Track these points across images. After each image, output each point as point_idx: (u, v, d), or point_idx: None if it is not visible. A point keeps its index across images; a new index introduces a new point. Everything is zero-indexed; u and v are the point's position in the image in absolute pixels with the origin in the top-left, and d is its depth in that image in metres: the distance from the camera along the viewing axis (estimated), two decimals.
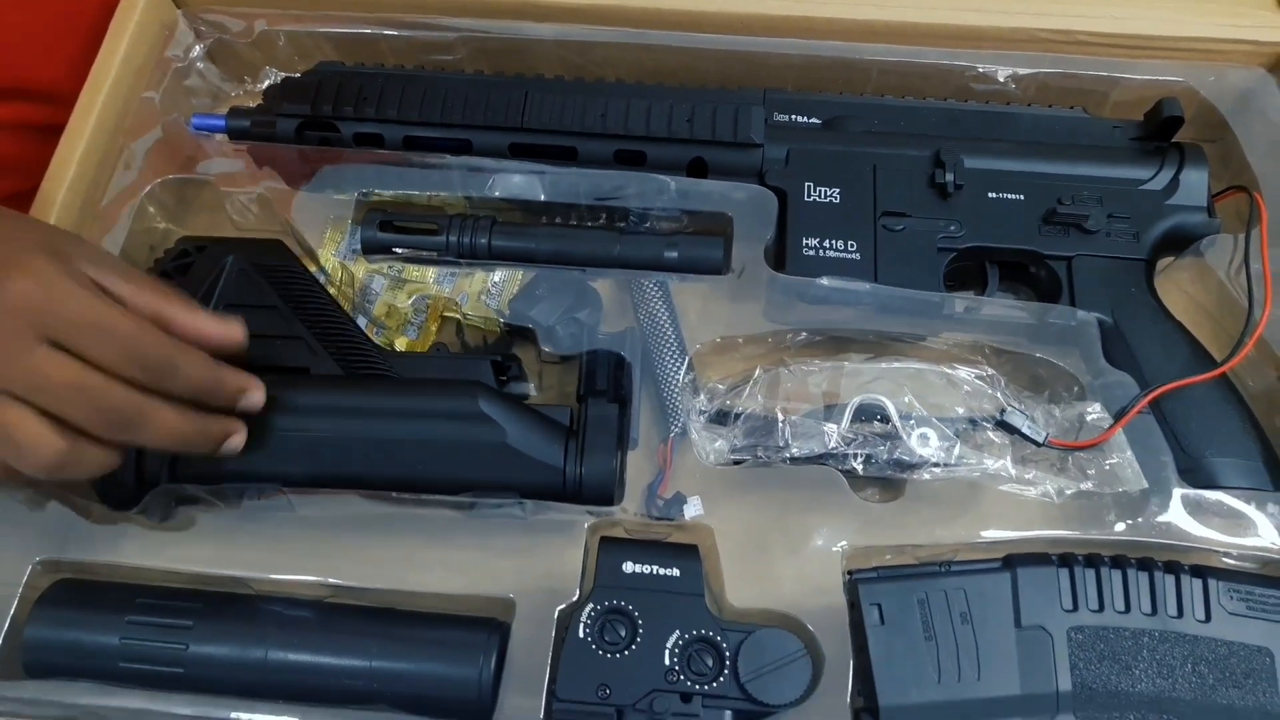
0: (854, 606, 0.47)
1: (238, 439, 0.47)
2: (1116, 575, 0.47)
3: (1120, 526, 0.49)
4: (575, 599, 0.48)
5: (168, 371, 0.43)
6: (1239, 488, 0.50)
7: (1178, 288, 0.59)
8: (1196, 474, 0.51)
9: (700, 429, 0.53)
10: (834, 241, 0.56)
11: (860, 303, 0.55)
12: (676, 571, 0.48)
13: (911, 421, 0.50)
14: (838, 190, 0.58)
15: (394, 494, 0.49)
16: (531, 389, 0.57)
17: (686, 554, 0.49)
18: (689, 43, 0.63)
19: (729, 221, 0.57)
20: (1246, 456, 0.51)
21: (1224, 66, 0.61)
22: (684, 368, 0.54)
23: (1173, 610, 0.46)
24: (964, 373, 0.52)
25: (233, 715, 0.44)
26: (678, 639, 0.46)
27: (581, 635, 0.46)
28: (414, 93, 0.59)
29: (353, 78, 0.60)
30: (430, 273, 0.60)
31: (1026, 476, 0.49)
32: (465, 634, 0.46)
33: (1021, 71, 0.61)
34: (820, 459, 0.50)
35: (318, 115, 0.59)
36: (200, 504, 0.50)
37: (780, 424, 0.51)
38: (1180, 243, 0.57)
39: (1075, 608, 0.46)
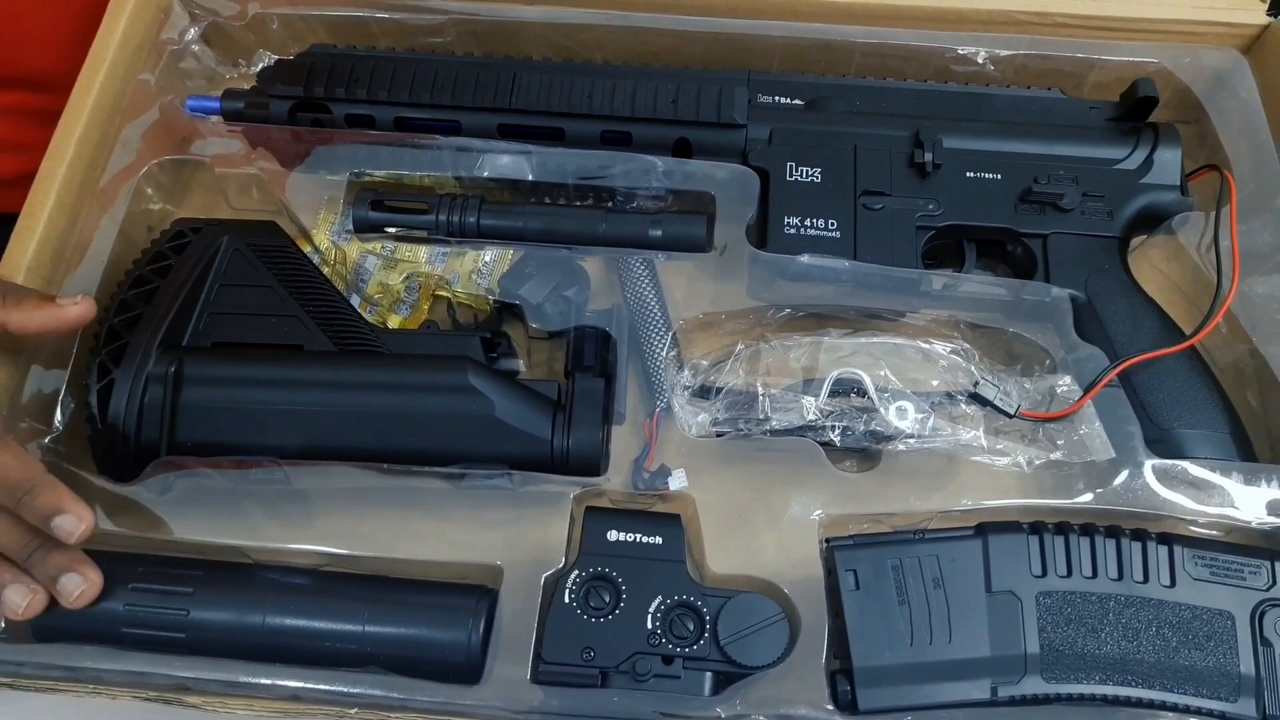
0: (830, 573, 0.49)
1: (68, 524, 0.43)
2: (1085, 542, 0.49)
3: (1088, 496, 0.51)
4: (561, 566, 0.49)
5: None
6: (1206, 458, 0.51)
7: (1151, 265, 0.61)
8: (1165, 445, 0.52)
9: (683, 403, 0.54)
10: (815, 220, 0.58)
11: (839, 280, 0.56)
12: (659, 539, 0.49)
13: (887, 395, 0.52)
14: (819, 170, 0.59)
15: (386, 466, 0.51)
16: (521, 365, 0.59)
17: (669, 523, 0.50)
18: (675, 25, 0.64)
19: (712, 200, 0.58)
20: (1213, 428, 0.53)
21: (1198, 48, 0.62)
22: (666, 344, 0.55)
23: (1139, 576, 0.48)
24: (939, 347, 0.53)
25: (232, 677, 0.46)
26: (660, 604, 0.48)
27: (567, 601, 0.48)
28: (404, 74, 0.60)
29: (344, 60, 0.62)
30: (422, 252, 0.61)
31: (998, 447, 0.50)
32: (455, 599, 0.48)
33: (1000, 53, 0.62)
34: (799, 431, 0.52)
35: (310, 97, 0.60)
36: (199, 475, 0.52)
37: (760, 397, 0.52)
38: (1154, 221, 0.59)
39: (1044, 573, 0.48)
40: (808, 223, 0.58)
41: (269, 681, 0.46)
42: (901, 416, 0.51)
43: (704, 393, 0.55)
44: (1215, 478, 0.50)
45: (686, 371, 0.56)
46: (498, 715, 0.46)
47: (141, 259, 0.56)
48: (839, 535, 0.50)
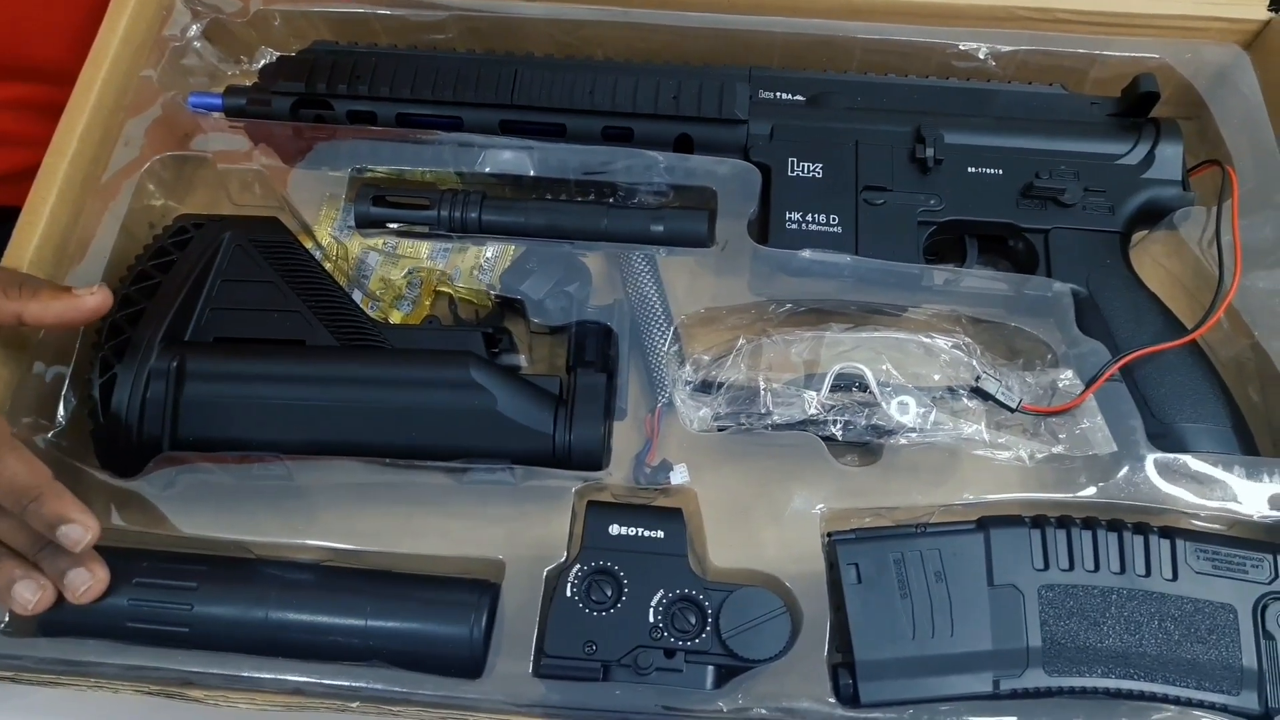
0: (832, 566, 0.49)
1: (74, 533, 0.43)
2: (1087, 536, 0.49)
3: (1091, 490, 0.51)
4: (563, 561, 0.49)
5: None
6: (1207, 452, 0.51)
7: (1153, 260, 0.61)
8: (1167, 439, 0.52)
9: (685, 398, 0.54)
10: (816, 215, 0.58)
11: (841, 275, 0.56)
12: (661, 534, 0.49)
13: (889, 389, 0.52)
14: (820, 165, 0.59)
15: (388, 461, 0.51)
16: (523, 360, 0.59)
17: (670, 517, 0.50)
18: (677, 21, 0.64)
19: (713, 196, 0.58)
20: (1215, 422, 0.53)
21: (1200, 43, 0.62)
22: (667, 340, 0.55)
23: (1141, 569, 0.48)
24: (941, 342, 0.53)
25: (234, 671, 0.46)
26: (662, 597, 0.48)
27: (569, 594, 0.48)
28: (406, 71, 0.60)
29: (346, 56, 0.62)
30: (424, 248, 0.62)
31: (1000, 441, 0.50)
32: (457, 594, 0.48)
33: (1001, 48, 0.63)
34: (801, 425, 0.52)
35: (312, 93, 0.60)
36: (201, 471, 0.52)
37: (762, 392, 0.52)
38: (1155, 215, 0.59)
39: (1046, 567, 0.48)
40: (809, 218, 0.58)
41: (271, 676, 0.46)
42: (903, 411, 0.52)
43: (705, 388, 0.55)
44: (1217, 471, 0.50)
45: (688, 366, 0.56)
46: (500, 709, 0.46)
47: (144, 255, 0.56)
48: (841, 529, 0.50)
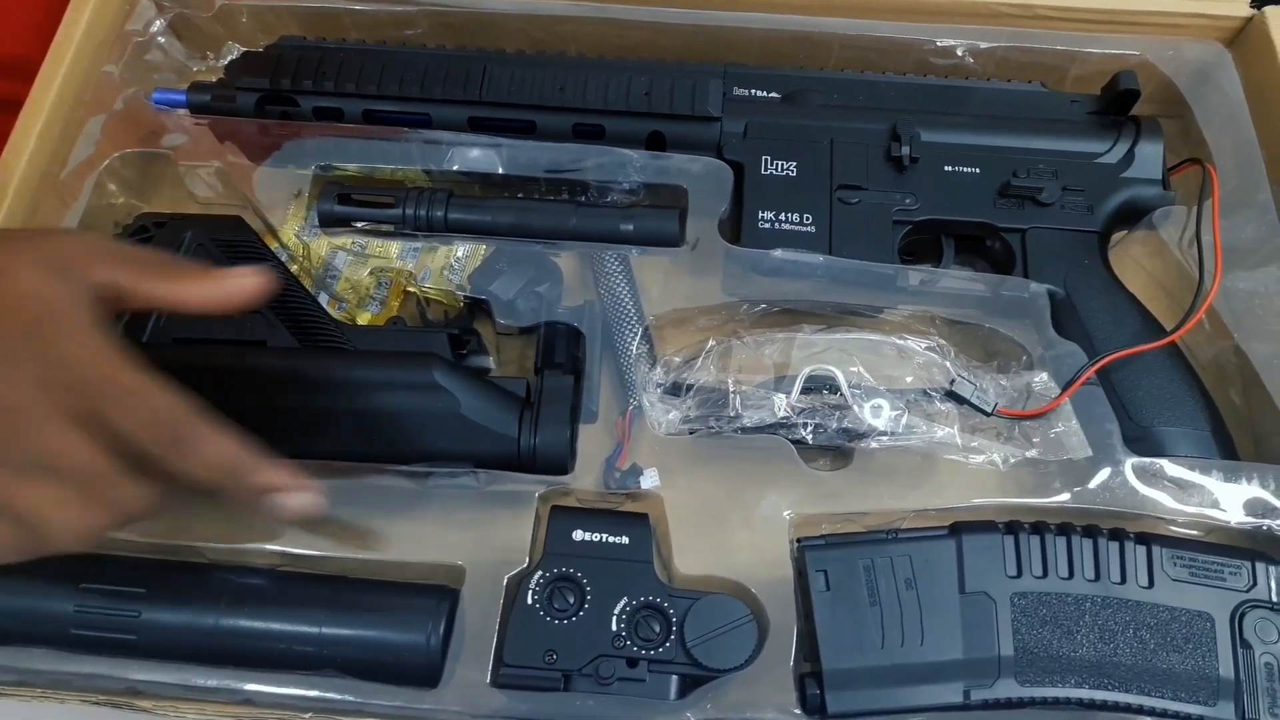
0: (801, 573, 0.48)
1: (291, 500, 0.40)
2: (1061, 542, 0.47)
3: (1066, 495, 0.49)
4: (525, 567, 0.48)
5: (186, 443, 0.37)
6: (1185, 456, 0.50)
7: (1133, 261, 0.60)
8: (1144, 443, 0.51)
9: (654, 400, 0.53)
10: (789, 214, 0.57)
11: (814, 275, 0.55)
12: (626, 539, 0.48)
13: (861, 392, 0.50)
14: (795, 164, 0.58)
15: (349, 464, 0.50)
16: (490, 362, 0.58)
17: (636, 522, 0.49)
18: (651, 17, 0.63)
19: (684, 194, 0.57)
20: (1194, 426, 0.52)
21: (1181, 40, 0.61)
22: (635, 341, 0.54)
23: (1116, 576, 0.47)
24: (915, 344, 0.52)
25: (184, 680, 0.45)
26: (625, 605, 0.47)
27: (530, 602, 0.46)
28: (373, 66, 0.59)
29: (313, 52, 0.61)
30: (394, 248, 0.60)
31: (973, 445, 0.49)
32: (415, 600, 0.47)
33: (980, 45, 0.62)
34: (771, 429, 0.51)
35: (277, 89, 0.59)
36: None
37: (731, 395, 0.51)
38: (1135, 215, 0.58)
39: (1019, 574, 0.47)
40: (782, 217, 0.57)
41: (221, 685, 0.45)
42: (876, 414, 0.50)
43: (676, 390, 0.54)
44: (1195, 476, 0.49)
45: (659, 369, 0.55)
46: (459, 718, 0.44)
47: None
48: (810, 535, 0.49)
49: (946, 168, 0.58)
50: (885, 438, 0.49)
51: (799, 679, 0.46)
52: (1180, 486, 0.49)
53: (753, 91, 0.61)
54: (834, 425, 0.50)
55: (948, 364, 0.51)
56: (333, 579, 0.48)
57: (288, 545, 0.48)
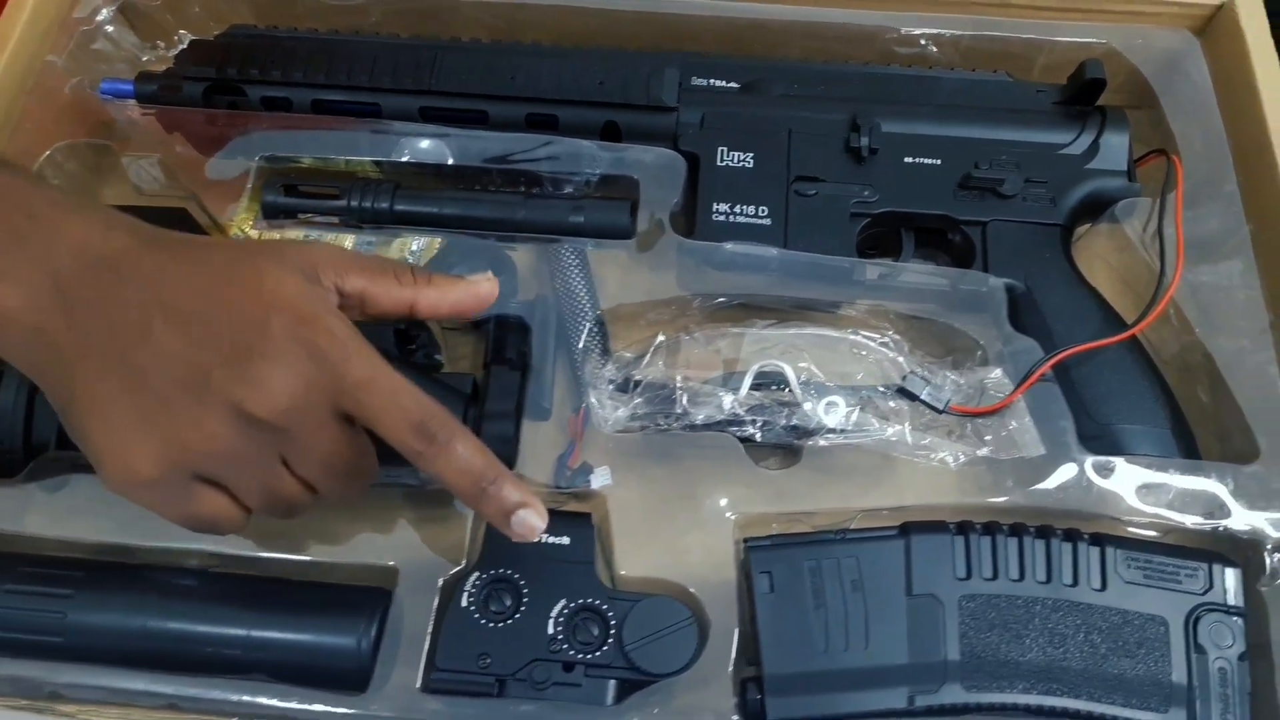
0: (745, 575, 0.47)
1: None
2: (1013, 543, 0.46)
3: (1021, 494, 0.48)
4: (462, 568, 0.47)
5: (440, 442, 0.39)
6: (1144, 455, 0.49)
7: (1099, 257, 0.58)
8: (1103, 441, 0.50)
9: (602, 397, 0.52)
10: (745, 207, 0.55)
11: (768, 269, 0.54)
12: (567, 540, 0.47)
13: (813, 389, 0.49)
14: (751, 155, 0.57)
15: None
16: (442, 358, 0.56)
17: (578, 523, 0.48)
18: (610, 5, 0.62)
19: (635, 186, 0.56)
20: (1153, 423, 0.50)
21: (1150, 29, 0.60)
22: (584, 335, 0.53)
23: (1068, 578, 0.46)
24: (868, 339, 0.51)
25: (107, 683, 0.43)
26: (563, 608, 0.45)
27: (465, 604, 0.45)
28: (322, 56, 0.58)
29: (262, 41, 0.59)
30: (348, 242, 0.59)
31: (924, 443, 0.48)
32: (346, 603, 0.46)
33: (945, 34, 0.60)
34: (719, 426, 0.50)
35: (224, 78, 0.58)
36: (90, 473, 0.49)
37: (679, 391, 0.50)
38: (1099, 207, 0.56)
39: (968, 576, 0.46)
40: (737, 209, 0.55)
41: (145, 688, 0.43)
42: (831, 412, 0.49)
43: (626, 386, 0.53)
44: (1152, 475, 0.48)
45: (610, 365, 0.53)
46: None
47: None
48: (757, 535, 0.47)
49: (907, 159, 0.57)
50: (835, 435, 0.48)
51: (741, 683, 0.45)
52: (1136, 486, 0.48)
53: (711, 81, 0.59)
54: (782, 423, 0.49)
55: (901, 360, 0.50)
56: (264, 580, 0.47)
57: (220, 546, 0.47)
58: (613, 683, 0.45)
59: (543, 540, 0.47)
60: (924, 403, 0.49)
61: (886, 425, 0.48)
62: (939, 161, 0.57)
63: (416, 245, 0.59)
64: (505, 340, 0.54)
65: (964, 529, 0.46)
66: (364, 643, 0.45)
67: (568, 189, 0.56)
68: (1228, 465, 0.48)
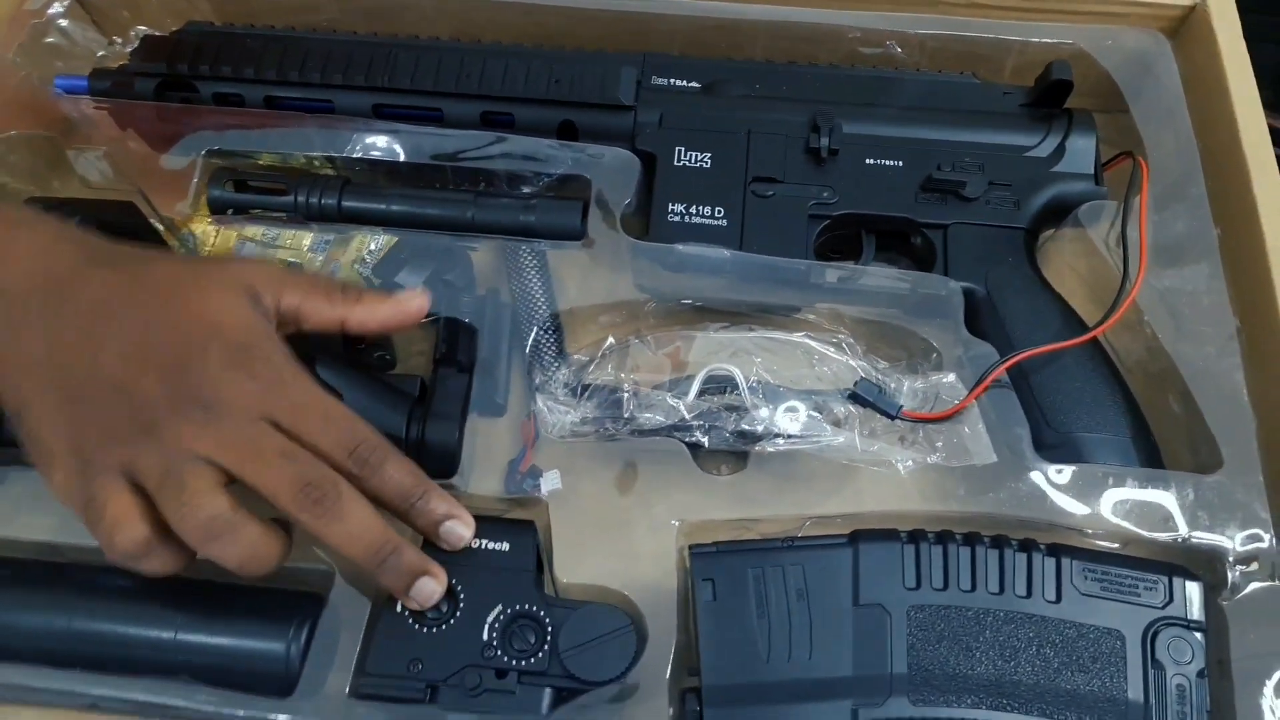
0: (689, 582, 0.45)
1: (429, 586, 0.42)
2: (965, 553, 0.45)
3: (975, 503, 0.47)
4: None
5: (372, 465, 0.40)
6: (1103, 464, 0.48)
7: (1067, 264, 0.57)
8: (1062, 449, 0.49)
9: (551, 401, 0.50)
10: (700, 208, 0.54)
11: (721, 271, 0.53)
12: (506, 546, 0.46)
13: (761, 393, 0.48)
14: (709, 155, 0.56)
15: None
16: (393, 356, 0.55)
17: (520, 529, 0.46)
18: (571, 4, 0.61)
19: (588, 186, 0.54)
20: (1114, 432, 0.49)
21: (1119, 29, 0.59)
22: (531, 340, 0.52)
23: (1021, 590, 0.44)
24: (820, 343, 0.49)
25: (25, 683, 0.42)
26: (499, 614, 0.44)
27: (398, 609, 0.44)
28: (274, 52, 0.57)
29: (214, 37, 0.59)
30: (305, 240, 0.58)
31: (872, 449, 0.47)
32: (276, 607, 0.44)
33: (910, 33, 0.59)
34: (666, 431, 0.48)
35: (175, 74, 0.57)
36: (18, 466, 0.48)
37: (626, 396, 0.49)
38: (1065, 211, 0.55)
39: (918, 585, 0.44)
40: (693, 210, 0.54)
41: (66, 688, 0.42)
42: (785, 417, 0.48)
43: (578, 390, 0.51)
44: (1110, 484, 0.47)
45: (565, 368, 0.52)
46: None
47: None
48: (702, 543, 0.46)
49: (868, 160, 0.56)
50: (780, 441, 0.47)
51: (681, 693, 0.44)
52: (1094, 495, 0.47)
53: (671, 80, 0.58)
54: (730, 428, 0.47)
55: (855, 364, 0.49)
56: (194, 583, 0.45)
57: None
58: (548, 690, 0.43)
59: (482, 546, 0.45)
60: (875, 408, 0.47)
61: (837, 432, 0.47)
62: (901, 163, 0.56)
63: (374, 245, 0.58)
64: (455, 341, 0.53)
65: (915, 538, 0.45)
66: (293, 648, 0.43)
67: (523, 188, 0.55)
68: (1189, 475, 0.47)
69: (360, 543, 0.39)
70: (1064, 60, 0.55)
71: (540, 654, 0.43)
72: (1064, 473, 0.47)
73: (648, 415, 0.48)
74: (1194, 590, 0.44)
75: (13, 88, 0.58)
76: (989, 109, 0.57)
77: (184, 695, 0.42)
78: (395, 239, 0.57)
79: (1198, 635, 0.43)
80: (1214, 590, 0.45)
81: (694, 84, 0.58)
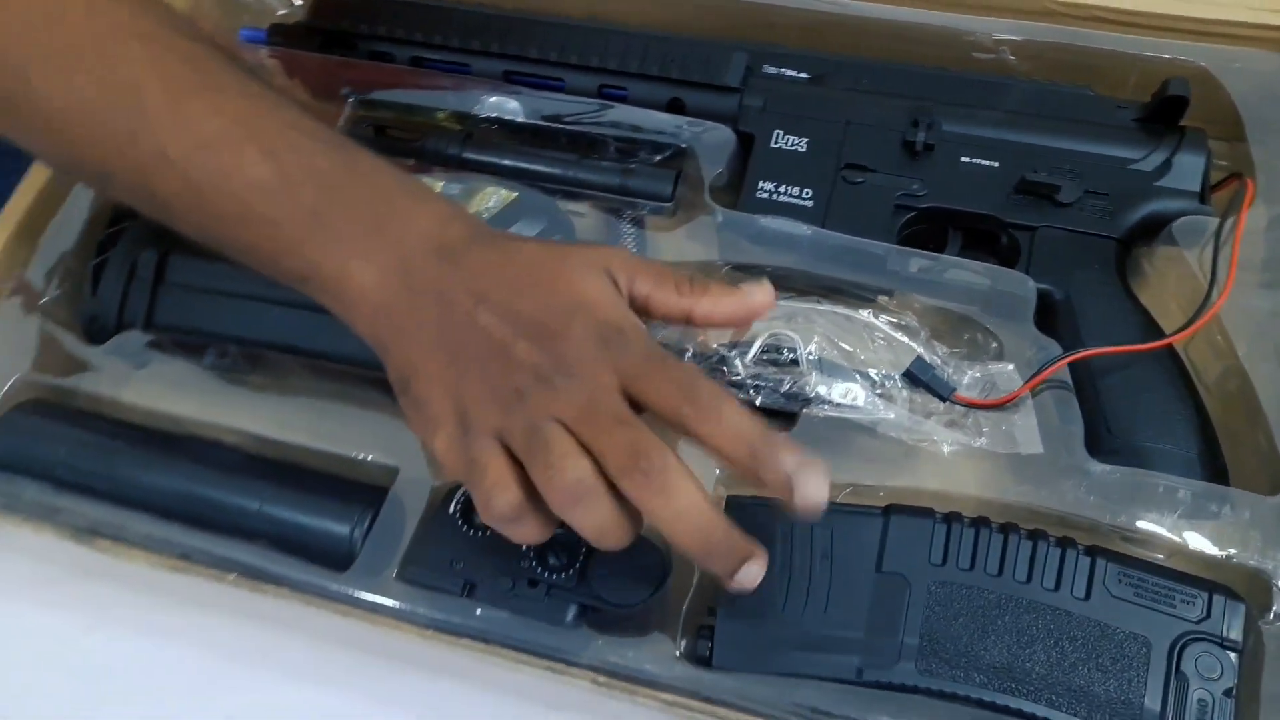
0: None
1: (754, 571, 0.40)
2: (998, 540, 0.45)
3: (1014, 494, 0.47)
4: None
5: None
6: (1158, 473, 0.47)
7: (1158, 279, 0.55)
8: (1121, 456, 0.48)
9: None
10: (790, 188, 0.57)
11: (800, 248, 0.55)
12: None
13: (818, 363, 0.50)
14: (806, 140, 0.58)
15: (328, 367, 0.54)
16: None
17: None
18: None
19: (683, 155, 0.58)
20: (1180, 446, 0.48)
21: (1249, 52, 0.57)
22: None
23: (1050, 583, 0.44)
24: (882, 321, 0.51)
25: (136, 528, 0.49)
26: None
27: (450, 511, 0.48)
28: (423, 18, 0.64)
29: (374, 2, 0.66)
30: (438, 186, 0.64)
31: (920, 428, 0.48)
32: (347, 495, 0.50)
33: (1025, 41, 0.59)
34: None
35: (338, 29, 0.65)
36: (165, 352, 0.56)
37: (688, 353, 0.51)
38: (1161, 225, 0.54)
39: (944, 563, 0.45)
40: (782, 189, 0.57)
41: (166, 537, 0.49)
42: (845, 390, 0.49)
43: None
44: (1161, 494, 0.46)
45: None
46: (360, 603, 0.47)
47: None
48: (741, 494, 0.48)
49: (964, 159, 0.56)
50: (828, 407, 0.48)
51: (695, 628, 0.46)
52: (1144, 503, 0.46)
53: (782, 70, 0.61)
54: (784, 389, 0.49)
55: (914, 345, 0.50)
56: (282, 464, 0.51)
57: (253, 428, 0.52)
58: (574, 606, 0.46)
59: None
60: (928, 388, 0.48)
61: (889, 407, 0.48)
62: (997, 164, 0.56)
63: (493, 202, 0.63)
64: None
65: (950, 519, 0.46)
66: (356, 531, 0.48)
67: (623, 154, 0.59)
68: (1247, 494, 0.45)
69: (684, 523, 0.38)
70: (1182, 78, 0.55)
71: (571, 571, 0.46)
72: (1115, 474, 0.46)
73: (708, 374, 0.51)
74: (1235, 610, 0.43)
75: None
76: (1098, 120, 0.57)
77: (260, 556, 0.48)
78: (513, 195, 0.62)
79: (1231, 655, 0.42)
80: (1260, 614, 0.43)
81: (803, 74, 0.61)
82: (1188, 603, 0.43)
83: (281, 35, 0.66)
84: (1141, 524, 0.46)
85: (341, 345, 0.53)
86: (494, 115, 0.62)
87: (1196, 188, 0.54)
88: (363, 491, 0.50)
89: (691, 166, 0.58)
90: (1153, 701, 0.42)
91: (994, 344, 0.50)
